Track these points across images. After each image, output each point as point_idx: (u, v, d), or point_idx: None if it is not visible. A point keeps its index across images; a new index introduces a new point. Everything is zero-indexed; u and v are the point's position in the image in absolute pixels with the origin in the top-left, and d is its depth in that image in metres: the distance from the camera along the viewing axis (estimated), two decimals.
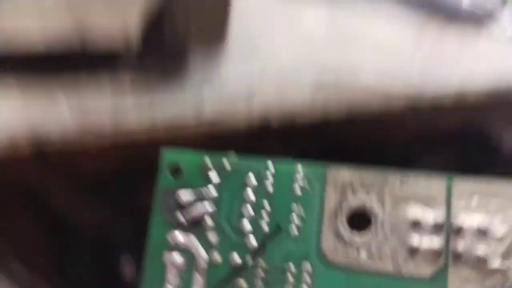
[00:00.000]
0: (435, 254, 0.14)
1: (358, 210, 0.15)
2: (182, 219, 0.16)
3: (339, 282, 0.15)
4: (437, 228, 0.14)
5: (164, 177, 0.17)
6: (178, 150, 0.17)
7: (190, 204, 0.16)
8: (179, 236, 0.16)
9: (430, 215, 0.14)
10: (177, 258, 0.16)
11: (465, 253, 0.14)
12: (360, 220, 0.15)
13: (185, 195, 0.16)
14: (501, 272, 0.14)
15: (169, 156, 0.17)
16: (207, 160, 0.16)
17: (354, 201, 0.15)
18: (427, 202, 0.15)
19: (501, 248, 0.14)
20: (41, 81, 0.20)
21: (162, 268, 0.16)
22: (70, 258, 0.25)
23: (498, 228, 0.14)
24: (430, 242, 0.14)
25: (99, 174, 0.22)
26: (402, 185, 0.15)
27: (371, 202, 0.15)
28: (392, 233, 0.15)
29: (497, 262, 0.14)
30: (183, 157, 0.17)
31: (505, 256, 0.14)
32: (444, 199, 0.15)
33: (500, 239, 0.14)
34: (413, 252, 0.14)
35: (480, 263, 0.14)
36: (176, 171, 0.17)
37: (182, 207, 0.16)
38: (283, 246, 0.15)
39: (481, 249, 0.14)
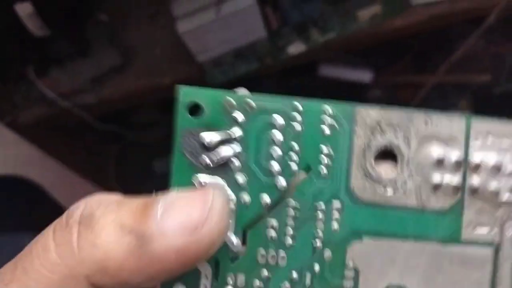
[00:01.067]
0: (454, 189, 0.16)
1: (386, 149, 0.16)
2: (207, 161, 0.15)
3: (367, 218, 0.16)
4: (456, 166, 0.16)
5: (183, 117, 0.15)
6: (196, 88, 0.15)
7: (215, 145, 0.15)
8: (205, 179, 0.15)
9: (451, 153, 0.16)
10: None
11: (480, 188, 0.16)
12: (386, 158, 0.16)
13: (209, 136, 0.15)
14: (509, 204, 0.16)
15: (187, 93, 0.15)
16: (231, 98, 0.15)
17: (382, 140, 0.16)
18: (448, 141, 0.16)
19: (510, 183, 0.16)
20: None
21: None
22: None
23: (508, 165, 0.16)
24: (450, 178, 0.16)
25: None
26: (426, 125, 0.16)
27: (398, 141, 0.16)
28: (416, 170, 0.16)
29: (506, 195, 0.16)
30: (203, 95, 0.15)
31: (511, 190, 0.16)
32: (463, 138, 0.16)
33: (510, 175, 0.16)
34: (435, 187, 0.16)
35: (492, 197, 0.16)
36: (195, 110, 0.15)
37: (207, 148, 0.15)
38: (312, 185, 0.16)
39: (493, 184, 0.16)
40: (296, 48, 0.51)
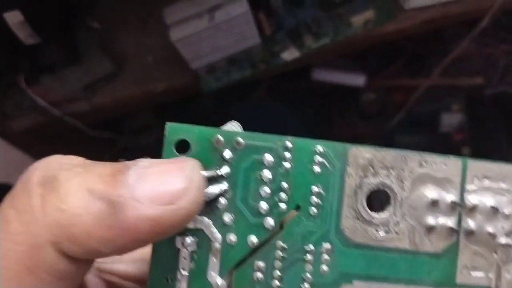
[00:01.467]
0: (449, 232, 0.15)
1: (378, 190, 0.15)
2: None
3: (358, 260, 0.15)
4: (451, 208, 0.15)
5: (170, 155, 0.15)
6: (183, 124, 0.15)
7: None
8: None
9: (446, 196, 0.15)
10: (189, 241, 0.15)
11: (476, 231, 0.15)
12: (377, 199, 0.16)
13: None
14: (505, 247, 0.15)
15: (174, 130, 0.15)
16: (220, 136, 0.15)
17: (374, 180, 0.15)
18: (443, 183, 0.16)
19: (507, 226, 0.15)
20: None
21: (174, 253, 0.15)
22: None
23: (505, 208, 0.16)
24: (445, 220, 0.15)
25: None
26: (420, 166, 0.15)
27: (391, 183, 0.15)
28: (410, 212, 0.15)
29: (503, 239, 0.15)
30: (191, 132, 0.15)
31: (509, 234, 0.16)
32: (459, 180, 0.16)
33: (506, 218, 0.16)
34: (429, 230, 0.15)
35: (488, 240, 0.16)
36: (183, 147, 0.15)
37: None
38: (302, 225, 0.15)
39: (490, 228, 0.15)
40: (290, 54, 0.51)
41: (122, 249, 0.13)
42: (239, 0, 0.45)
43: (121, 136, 0.68)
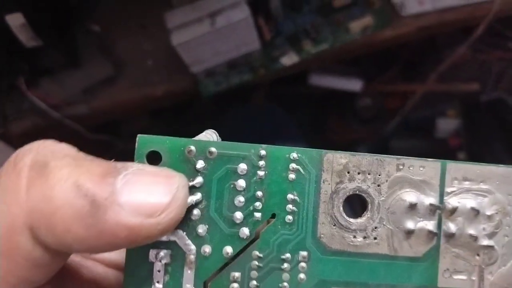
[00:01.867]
0: (429, 235, 0.15)
1: (354, 195, 0.15)
2: None
3: (336, 267, 0.15)
4: (431, 211, 0.15)
5: None
6: (155, 136, 0.15)
7: None
8: None
9: (425, 199, 0.15)
10: (163, 254, 0.15)
11: (456, 233, 0.15)
12: (355, 204, 0.16)
13: None
14: (487, 248, 0.15)
15: (144, 142, 0.15)
16: (191, 146, 0.15)
17: (350, 186, 0.15)
18: (421, 186, 0.15)
19: (489, 228, 0.15)
20: None
21: (148, 266, 0.15)
22: None
23: (487, 210, 0.15)
24: (424, 224, 0.15)
25: None
26: (398, 170, 0.15)
27: (368, 187, 0.15)
28: (387, 216, 0.15)
29: (485, 240, 0.15)
30: (162, 143, 0.15)
31: (491, 235, 0.15)
32: (438, 183, 0.15)
33: (488, 220, 0.15)
34: (408, 233, 0.15)
35: (469, 242, 0.15)
36: (155, 159, 0.15)
37: None
38: (277, 234, 0.15)
39: (471, 229, 0.15)
40: (289, 59, 0.51)
41: (94, 249, 0.13)
42: (240, 6, 0.45)
43: (119, 139, 0.68)
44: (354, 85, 0.67)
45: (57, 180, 0.12)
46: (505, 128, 0.69)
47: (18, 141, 0.52)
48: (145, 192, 0.13)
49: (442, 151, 0.69)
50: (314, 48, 0.52)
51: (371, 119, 0.69)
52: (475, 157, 0.66)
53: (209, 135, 0.16)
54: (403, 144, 0.70)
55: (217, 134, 0.16)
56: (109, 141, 0.64)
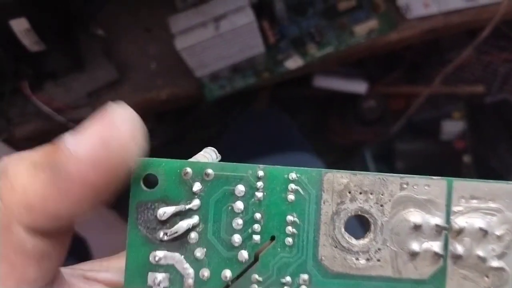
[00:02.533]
0: (435, 256, 0.15)
1: (356, 215, 0.15)
2: (163, 236, 0.14)
3: None
4: (436, 231, 0.15)
5: (137, 190, 0.14)
6: (151, 159, 0.15)
7: (172, 219, 0.14)
8: (161, 255, 0.14)
9: (430, 219, 0.15)
10: (161, 278, 0.14)
11: (464, 254, 0.15)
12: (358, 225, 0.15)
13: (165, 210, 0.14)
14: (497, 270, 0.15)
15: (141, 165, 0.14)
16: (188, 168, 0.14)
17: (352, 206, 0.15)
18: (426, 205, 0.15)
19: (498, 248, 0.15)
20: None
21: None
22: None
23: (496, 229, 0.15)
24: (430, 245, 0.15)
25: None
26: (401, 190, 0.15)
27: (370, 207, 0.15)
28: (391, 237, 0.15)
29: (494, 262, 0.15)
30: (158, 166, 0.15)
31: (501, 256, 0.15)
32: (444, 202, 0.15)
33: (498, 240, 0.15)
34: (413, 255, 0.15)
35: (478, 264, 0.15)
36: (151, 182, 0.15)
37: (162, 222, 0.14)
38: (277, 257, 0.15)
39: (479, 250, 0.15)
40: (293, 62, 0.51)
41: (79, 203, 0.13)
42: (245, 10, 0.45)
43: None
44: (359, 87, 0.66)
45: (16, 172, 0.13)
46: (510, 130, 0.68)
47: (22, 145, 0.52)
48: (93, 136, 0.13)
49: (447, 153, 0.68)
50: (318, 51, 0.51)
51: (375, 121, 0.69)
52: (480, 159, 0.66)
53: (208, 154, 0.16)
54: (407, 146, 0.70)
55: (216, 152, 0.16)
56: None
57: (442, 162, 0.67)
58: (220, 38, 0.44)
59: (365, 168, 0.73)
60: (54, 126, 0.51)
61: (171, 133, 0.77)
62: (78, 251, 0.59)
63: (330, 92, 0.70)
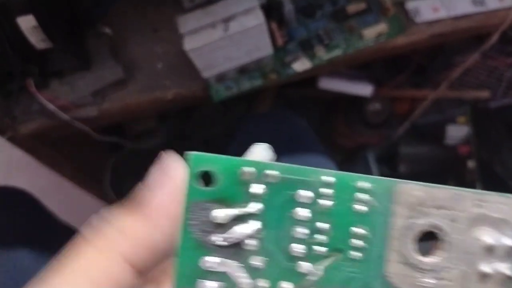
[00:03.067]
0: (507, 280, 0.14)
1: (428, 231, 0.14)
2: (219, 240, 0.13)
3: None
4: (510, 253, 0.14)
5: (193, 189, 0.13)
6: (207, 154, 0.13)
7: (229, 222, 0.13)
8: (214, 261, 0.13)
9: (504, 239, 0.14)
10: (212, 286, 0.13)
11: None
12: (428, 241, 0.15)
13: (222, 212, 0.13)
14: None
15: (197, 161, 0.13)
16: (248, 168, 0.13)
17: (425, 221, 0.14)
18: (501, 225, 0.14)
19: None
20: None
21: None
22: None
23: None
24: (502, 267, 0.14)
25: None
26: (476, 206, 0.14)
27: (443, 224, 0.14)
28: (463, 257, 0.14)
29: None
30: (217, 163, 0.13)
31: None
32: None
33: None
34: (484, 277, 0.14)
35: None
36: (208, 180, 0.13)
37: (218, 226, 0.13)
38: (342, 271, 0.14)
39: None
40: (301, 64, 0.51)
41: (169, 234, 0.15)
42: (254, 11, 0.44)
43: (126, 139, 0.68)
44: (364, 90, 0.66)
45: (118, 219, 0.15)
46: None
47: (26, 142, 0.52)
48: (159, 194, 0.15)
49: (451, 158, 0.68)
50: (326, 54, 0.51)
51: (380, 124, 0.69)
52: (484, 165, 0.66)
53: (263, 150, 0.15)
54: (411, 150, 0.70)
55: (272, 149, 0.15)
56: (116, 142, 0.64)
57: (446, 167, 0.67)
58: (229, 40, 0.44)
59: (368, 171, 0.73)
60: (59, 124, 0.50)
61: (174, 131, 0.76)
62: None
63: (336, 94, 0.70)
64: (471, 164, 0.65)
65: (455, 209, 0.14)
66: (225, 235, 0.13)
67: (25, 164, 0.80)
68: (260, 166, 0.13)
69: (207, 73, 0.49)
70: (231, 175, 0.13)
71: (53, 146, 0.58)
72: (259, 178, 0.13)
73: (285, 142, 0.46)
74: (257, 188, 0.13)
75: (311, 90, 0.70)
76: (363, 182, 0.14)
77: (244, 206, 0.13)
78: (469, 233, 0.14)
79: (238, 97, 0.52)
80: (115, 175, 0.77)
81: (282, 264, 0.13)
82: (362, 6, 0.51)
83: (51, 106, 0.49)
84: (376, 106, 0.68)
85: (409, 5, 0.53)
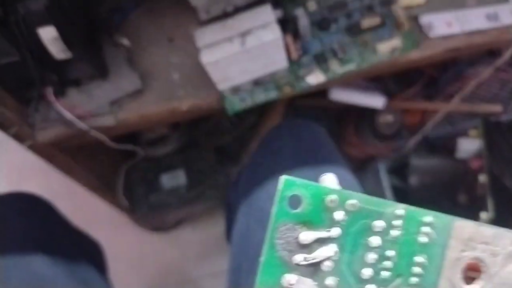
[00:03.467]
0: None
1: (473, 263, 0.16)
2: (299, 260, 0.15)
3: None
4: None
5: (282, 209, 0.15)
6: (299, 180, 0.15)
7: (312, 244, 0.15)
8: (294, 279, 0.15)
9: None
10: None
11: None
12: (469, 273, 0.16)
13: (308, 234, 0.15)
14: None
15: (289, 184, 0.15)
16: (334, 196, 0.15)
17: (471, 254, 0.15)
18: None
19: None
20: None
21: None
22: None
23: None
24: None
25: None
26: None
27: (485, 256, 0.15)
28: (499, 287, 0.15)
29: None
30: (305, 189, 0.15)
31: None
32: None
33: None
34: None
35: None
36: (295, 203, 0.15)
37: (302, 246, 0.15)
38: None
39: None
40: (315, 78, 0.51)
41: None
42: (271, 26, 0.45)
43: (140, 147, 0.69)
44: (377, 101, 0.66)
45: None
46: None
47: (44, 150, 0.53)
48: None
49: (463, 172, 0.68)
50: (340, 68, 0.51)
51: (391, 135, 0.69)
52: (495, 179, 0.66)
53: (332, 180, 0.16)
54: (422, 162, 0.70)
55: (337, 179, 0.16)
56: (129, 149, 0.65)
57: (457, 180, 0.67)
58: (246, 54, 0.45)
59: (378, 182, 0.74)
60: (76, 133, 0.51)
61: (186, 139, 0.77)
62: (93, 255, 0.59)
63: (347, 104, 0.70)
64: (482, 178, 0.65)
65: (497, 245, 0.15)
66: (308, 255, 0.15)
67: (38, 169, 0.80)
68: (343, 195, 0.15)
69: (222, 85, 0.49)
70: (318, 201, 0.15)
71: (67, 153, 0.59)
72: (341, 205, 0.15)
73: (307, 151, 0.46)
74: (339, 215, 0.15)
75: (322, 100, 0.70)
76: (428, 217, 0.15)
77: (328, 231, 0.15)
78: (506, 267, 0.15)
79: (252, 110, 0.53)
80: (128, 182, 0.77)
81: (351, 285, 0.15)
82: (376, 20, 0.52)
83: (68, 115, 0.50)
84: (387, 117, 0.69)
85: (423, 20, 0.54)
